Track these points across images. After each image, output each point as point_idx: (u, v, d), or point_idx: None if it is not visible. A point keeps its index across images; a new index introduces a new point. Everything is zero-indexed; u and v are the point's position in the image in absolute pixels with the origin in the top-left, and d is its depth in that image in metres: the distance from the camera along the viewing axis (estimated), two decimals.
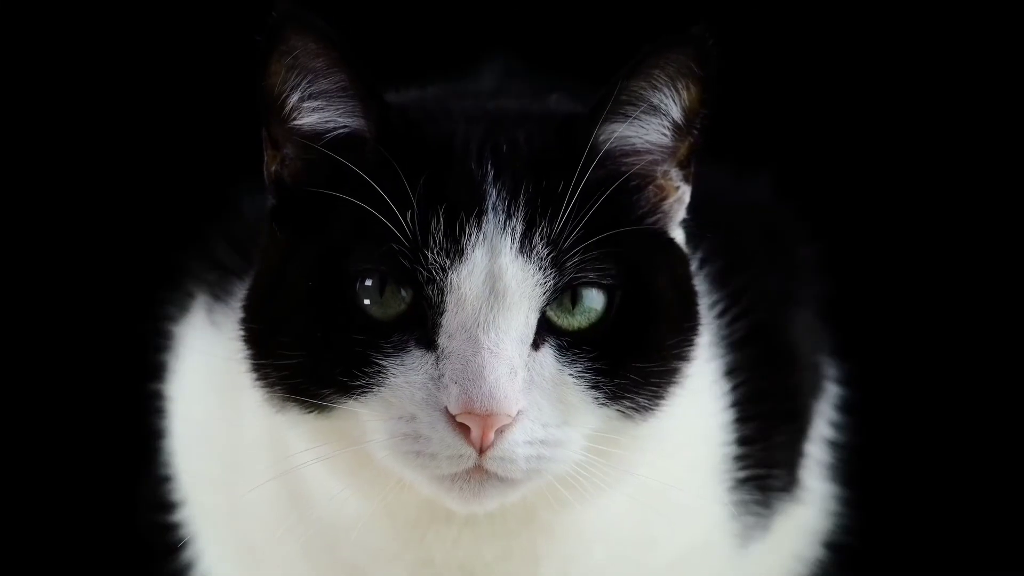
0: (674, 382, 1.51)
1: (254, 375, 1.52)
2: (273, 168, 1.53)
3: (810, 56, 2.36)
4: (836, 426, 1.95)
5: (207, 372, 1.74)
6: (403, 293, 1.44)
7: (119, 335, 2.13)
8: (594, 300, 1.47)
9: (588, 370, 1.46)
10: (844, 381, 1.97)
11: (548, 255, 1.44)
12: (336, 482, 1.53)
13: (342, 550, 1.59)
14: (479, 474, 1.44)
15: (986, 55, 2.37)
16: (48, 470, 2.37)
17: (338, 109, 1.50)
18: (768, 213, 1.95)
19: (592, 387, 1.46)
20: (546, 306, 1.45)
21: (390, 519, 1.56)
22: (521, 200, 1.45)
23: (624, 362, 1.47)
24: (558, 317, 1.46)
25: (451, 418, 1.41)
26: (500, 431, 1.41)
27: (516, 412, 1.41)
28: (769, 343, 1.76)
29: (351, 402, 1.45)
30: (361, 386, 1.44)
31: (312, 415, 1.47)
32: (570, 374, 1.46)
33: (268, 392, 1.50)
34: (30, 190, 2.38)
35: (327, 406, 1.46)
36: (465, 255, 1.43)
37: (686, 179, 1.55)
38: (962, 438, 2.37)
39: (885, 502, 2.21)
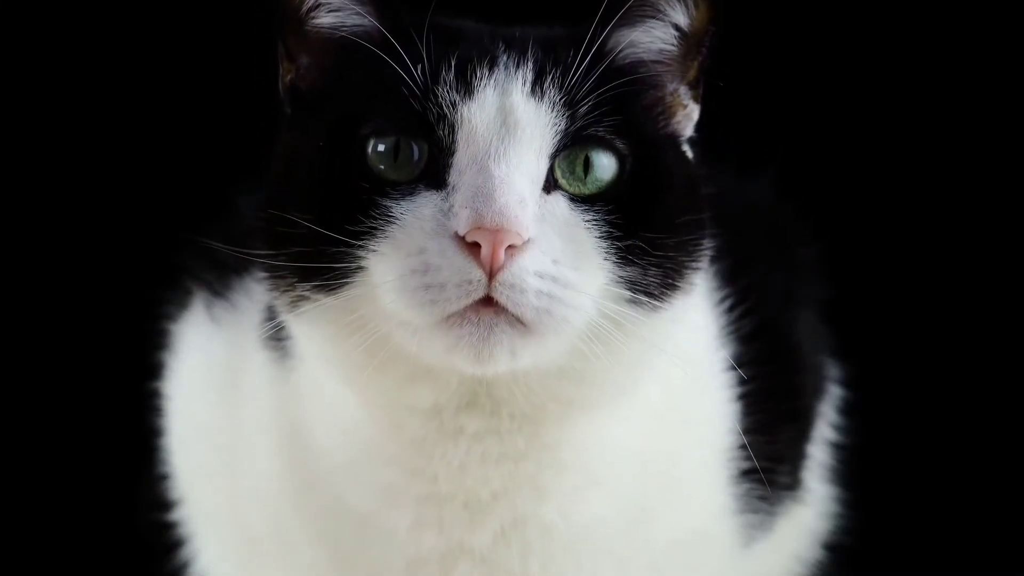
0: (681, 272, 1.51)
1: (267, 271, 1.52)
2: (288, 78, 1.56)
3: (810, 56, 2.36)
4: (837, 427, 1.95)
5: (206, 369, 1.75)
6: (415, 152, 1.46)
7: (118, 334, 2.13)
8: (604, 168, 1.48)
9: (602, 220, 1.46)
10: (844, 382, 1.97)
11: (560, 99, 1.47)
12: (345, 390, 1.53)
13: (349, 498, 1.58)
14: (488, 312, 1.42)
15: (986, 55, 2.37)
16: (47, 469, 2.37)
17: (353, 9, 1.53)
18: (769, 213, 1.96)
19: (604, 238, 1.46)
20: (556, 159, 1.46)
21: (397, 439, 1.55)
22: (530, 56, 1.49)
23: (636, 225, 1.47)
24: (569, 184, 1.47)
25: (461, 240, 1.41)
26: (510, 253, 1.41)
27: (527, 236, 1.41)
28: (773, 343, 1.76)
29: (359, 259, 1.44)
30: (370, 231, 1.44)
31: (323, 295, 1.46)
32: (583, 219, 1.46)
33: (280, 283, 1.50)
34: (30, 190, 2.38)
35: (336, 282, 1.45)
36: (475, 92, 1.46)
37: (695, 99, 1.58)
38: (962, 438, 2.37)
39: (885, 504, 2.21)
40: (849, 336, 2.00)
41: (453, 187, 1.44)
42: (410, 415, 1.53)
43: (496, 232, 1.40)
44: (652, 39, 1.54)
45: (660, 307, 1.49)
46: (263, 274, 1.53)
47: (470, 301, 1.41)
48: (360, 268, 1.45)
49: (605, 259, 1.46)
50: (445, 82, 1.46)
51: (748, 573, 1.77)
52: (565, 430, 1.55)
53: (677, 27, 1.54)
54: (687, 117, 1.58)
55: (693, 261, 1.52)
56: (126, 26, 2.36)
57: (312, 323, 1.49)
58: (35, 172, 2.39)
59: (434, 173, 1.45)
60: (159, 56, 2.37)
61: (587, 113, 1.47)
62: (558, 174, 1.47)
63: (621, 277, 1.47)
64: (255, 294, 1.68)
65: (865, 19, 2.38)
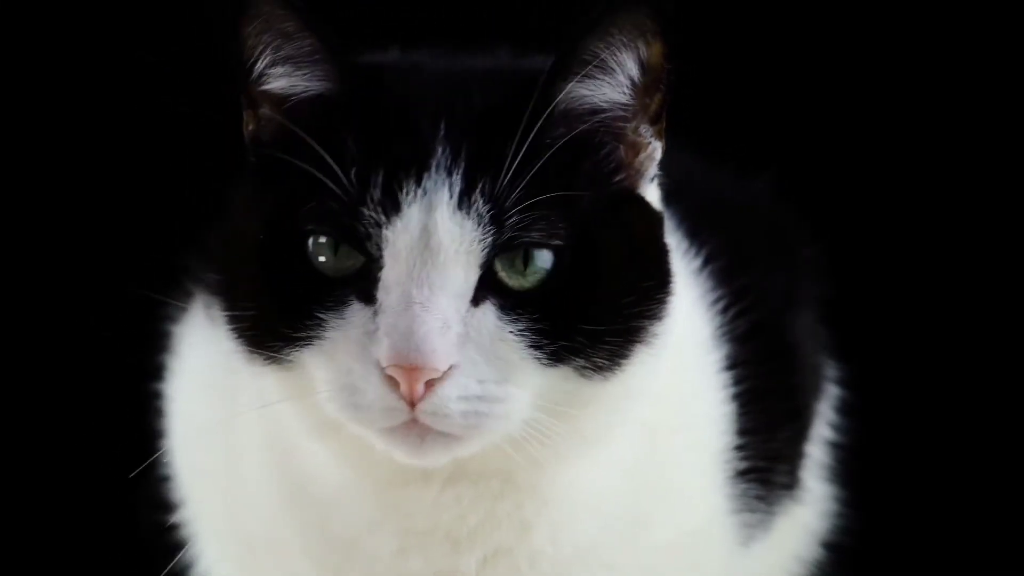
0: (637, 341, 1.49)
1: (226, 326, 1.54)
2: (251, 127, 1.56)
3: (810, 56, 2.36)
4: (835, 427, 1.95)
5: (207, 370, 1.74)
6: (351, 251, 1.46)
7: (119, 336, 2.13)
8: (544, 260, 1.46)
9: (529, 329, 1.45)
10: (843, 382, 1.97)
11: (488, 212, 1.44)
12: (311, 439, 1.54)
13: (334, 526, 1.59)
14: (416, 428, 1.43)
15: (986, 55, 2.37)
16: (48, 470, 2.37)
17: (304, 73, 1.51)
18: (768, 214, 1.95)
19: (533, 346, 1.45)
20: (491, 263, 1.45)
21: (369, 482, 1.56)
22: (463, 158, 1.45)
23: (569, 322, 1.46)
24: (509, 277, 1.45)
25: (382, 371, 1.42)
26: (430, 385, 1.41)
27: (447, 366, 1.41)
28: (771, 342, 1.75)
29: (296, 354, 1.46)
30: (304, 338, 1.46)
31: (271, 367, 1.49)
32: (510, 331, 1.45)
33: (235, 344, 1.52)
34: (30, 190, 2.38)
35: (284, 360, 1.48)
36: (401, 211, 1.44)
37: (658, 135, 1.54)
38: (962, 438, 2.37)
39: (883, 503, 2.21)
40: (847, 336, 1.99)
41: (380, 306, 1.44)
42: (376, 464, 1.53)
43: (412, 371, 1.41)
44: (608, 90, 1.51)
45: (613, 376, 1.49)
46: (221, 320, 1.55)
47: (397, 423, 1.43)
48: (298, 360, 1.48)
49: (536, 365, 1.46)
50: (372, 199, 1.44)
51: (747, 573, 1.77)
52: (539, 476, 1.55)
53: (630, 76, 1.51)
54: (649, 158, 1.54)
55: (648, 325, 1.50)
56: (126, 26, 2.36)
57: (262, 379, 1.52)
58: (35, 173, 2.39)
59: (366, 280, 1.45)
60: (159, 56, 2.36)
61: (517, 223, 1.44)
62: (499, 269, 1.45)
63: (559, 372, 1.47)
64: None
65: (864, 19, 2.38)
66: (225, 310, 1.53)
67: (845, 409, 1.96)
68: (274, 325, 1.47)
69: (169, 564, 1.85)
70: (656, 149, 1.55)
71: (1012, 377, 2.37)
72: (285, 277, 1.47)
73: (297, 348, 1.46)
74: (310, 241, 1.46)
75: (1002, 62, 2.37)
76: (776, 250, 1.90)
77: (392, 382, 1.42)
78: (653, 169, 1.55)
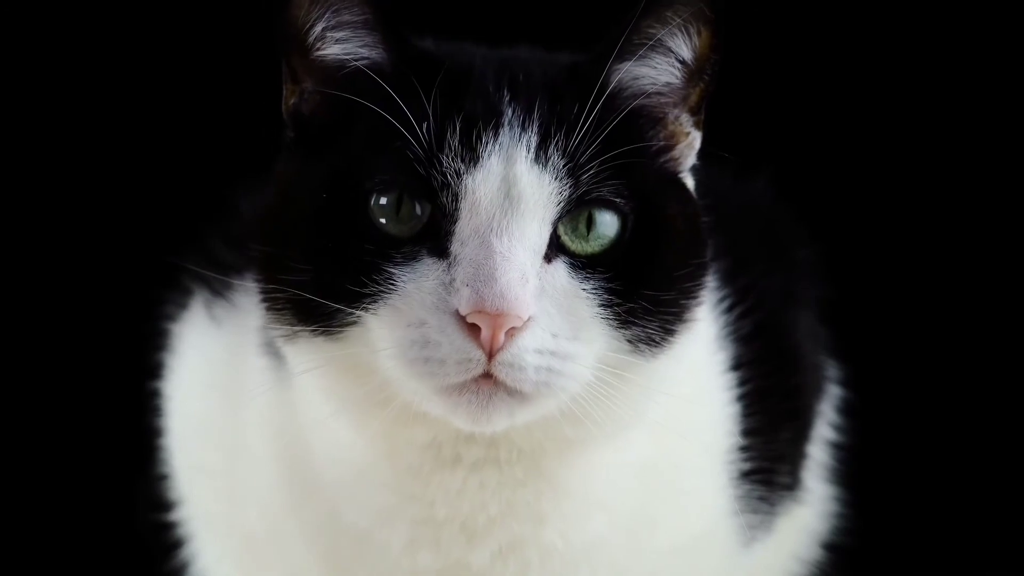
0: (682, 318, 1.51)
1: (265, 303, 1.52)
2: (292, 101, 1.54)
3: (809, 56, 2.36)
4: (836, 427, 1.95)
5: (206, 369, 1.74)
6: (418, 209, 1.45)
7: (118, 334, 2.13)
8: (607, 225, 1.47)
9: (601, 288, 1.46)
10: (843, 382, 1.97)
11: (564, 166, 1.45)
12: (341, 418, 1.53)
13: (346, 515, 1.58)
14: (487, 384, 1.43)
15: (986, 55, 2.37)
16: (48, 469, 2.37)
17: (361, 41, 1.51)
18: (767, 214, 1.96)
19: (604, 305, 1.46)
20: (559, 222, 1.46)
21: (393, 466, 1.55)
22: (536, 115, 1.46)
23: (636, 287, 1.47)
24: (572, 242, 1.47)
25: (461, 320, 1.41)
26: (510, 335, 1.41)
27: (527, 316, 1.41)
28: (773, 343, 1.76)
29: (360, 313, 1.45)
30: (371, 294, 1.44)
31: (321, 339, 1.47)
32: (583, 288, 1.46)
33: (278, 318, 1.50)
34: (30, 190, 2.38)
35: (335, 329, 1.46)
36: (480, 161, 1.45)
37: (697, 125, 1.56)
38: (962, 438, 2.37)
39: (884, 503, 2.21)
40: (848, 336, 1.99)
41: (455, 258, 1.44)
42: (407, 445, 1.53)
43: (496, 316, 1.40)
44: (655, 72, 1.53)
45: (661, 351, 1.50)
46: (259, 299, 1.54)
47: (469, 377, 1.43)
48: (358, 322, 1.46)
49: (605, 325, 1.47)
50: (450, 148, 1.44)
51: (747, 573, 1.77)
52: (564, 461, 1.56)
53: (680, 59, 1.53)
54: (689, 146, 1.57)
55: (694, 303, 1.53)
56: (126, 26, 2.36)
57: (307, 356, 1.50)
58: (36, 172, 2.39)
59: (436, 235, 1.45)
60: (159, 56, 2.37)
61: (591, 178, 1.46)
62: (561, 233, 1.47)
63: (620, 337, 1.48)
64: (255, 294, 1.67)
65: (863, 19, 2.38)
66: (269, 283, 1.50)
67: (846, 409, 1.96)
68: (337, 285, 1.45)
69: (167, 562, 1.85)
70: (695, 139, 1.57)
71: (1012, 377, 2.37)
72: (347, 238, 1.45)
73: (363, 307, 1.44)
74: (372, 200, 1.45)
75: (1002, 62, 2.37)
76: (776, 251, 1.90)
77: (473, 330, 1.41)
78: (692, 159, 1.57)
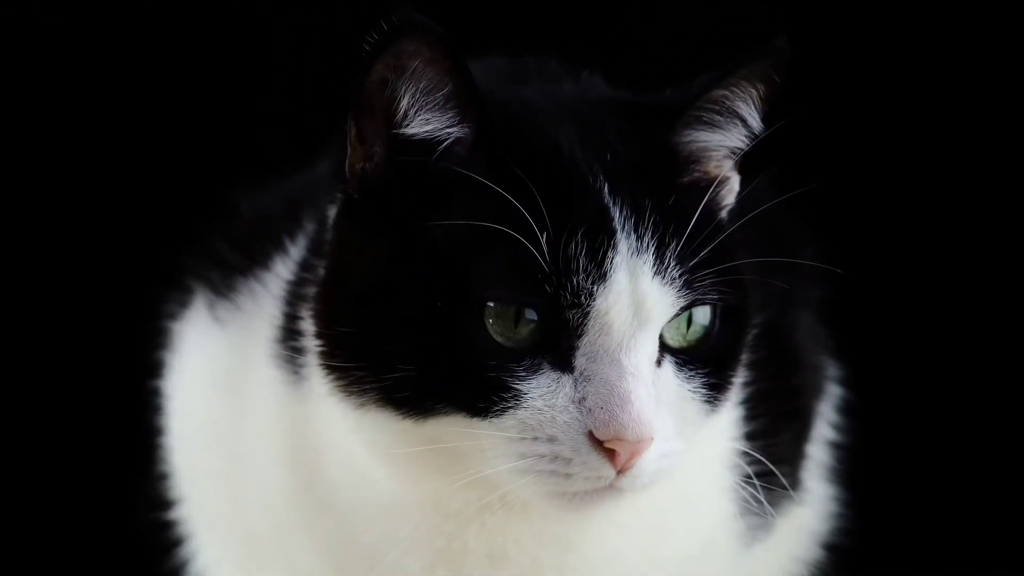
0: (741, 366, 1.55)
1: (333, 375, 1.47)
2: (359, 166, 1.47)
3: (809, 57, 2.35)
4: (836, 427, 1.95)
5: (208, 369, 1.74)
6: (535, 317, 1.41)
7: (119, 332, 2.13)
8: (704, 315, 1.47)
9: (704, 385, 1.47)
10: (843, 382, 1.97)
11: (680, 276, 1.43)
12: (385, 469, 1.51)
13: (363, 537, 1.57)
14: (610, 491, 1.44)
15: (986, 55, 2.37)
16: (48, 468, 2.37)
17: (445, 117, 1.45)
18: (769, 215, 1.95)
19: (707, 401, 1.48)
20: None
21: (422, 507, 1.54)
22: (648, 219, 1.43)
23: (726, 371, 1.49)
24: (672, 338, 1.46)
25: (596, 442, 1.41)
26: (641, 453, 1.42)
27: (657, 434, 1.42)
28: (774, 344, 1.75)
29: (474, 421, 1.42)
30: (496, 410, 1.42)
31: (406, 421, 1.44)
32: (689, 389, 1.47)
33: (353, 394, 1.46)
34: (30, 190, 2.38)
35: (424, 415, 1.43)
36: (608, 280, 1.41)
37: (736, 167, 1.56)
38: (962, 439, 2.37)
39: (884, 504, 2.20)
40: (848, 336, 1.99)
41: (582, 374, 1.42)
42: (452, 498, 1.52)
43: (636, 443, 1.40)
44: (726, 137, 1.52)
45: (725, 405, 1.53)
46: (323, 369, 1.49)
47: (596, 488, 1.43)
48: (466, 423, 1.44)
49: (704, 414, 1.48)
50: (579, 267, 1.40)
51: (748, 574, 1.77)
52: None
53: (748, 123, 1.52)
54: (731, 190, 1.55)
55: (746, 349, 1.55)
56: (127, 26, 2.36)
57: (380, 429, 1.47)
58: (36, 171, 2.39)
59: (556, 347, 1.42)
60: (160, 56, 2.37)
61: (707, 285, 1.44)
62: (664, 333, 1.46)
63: (709, 414, 1.50)
64: (260, 297, 1.67)
65: (864, 20, 2.38)
66: (348, 362, 1.45)
67: (846, 409, 1.96)
68: (449, 392, 1.42)
69: (167, 560, 1.85)
70: (736, 182, 1.56)
71: (1012, 377, 2.37)
72: (459, 343, 1.41)
73: (483, 417, 1.41)
74: (487, 310, 1.41)
75: (1002, 62, 2.37)
76: (776, 251, 1.89)
77: (608, 453, 1.41)
78: (733, 199, 1.56)
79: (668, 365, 1.46)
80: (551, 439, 1.42)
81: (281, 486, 1.62)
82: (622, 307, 1.41)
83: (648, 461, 1.42)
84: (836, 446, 1.94)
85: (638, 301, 1.42)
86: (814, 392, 1.87)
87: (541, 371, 1.42)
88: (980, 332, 2.39)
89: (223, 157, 2.21)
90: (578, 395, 1.42)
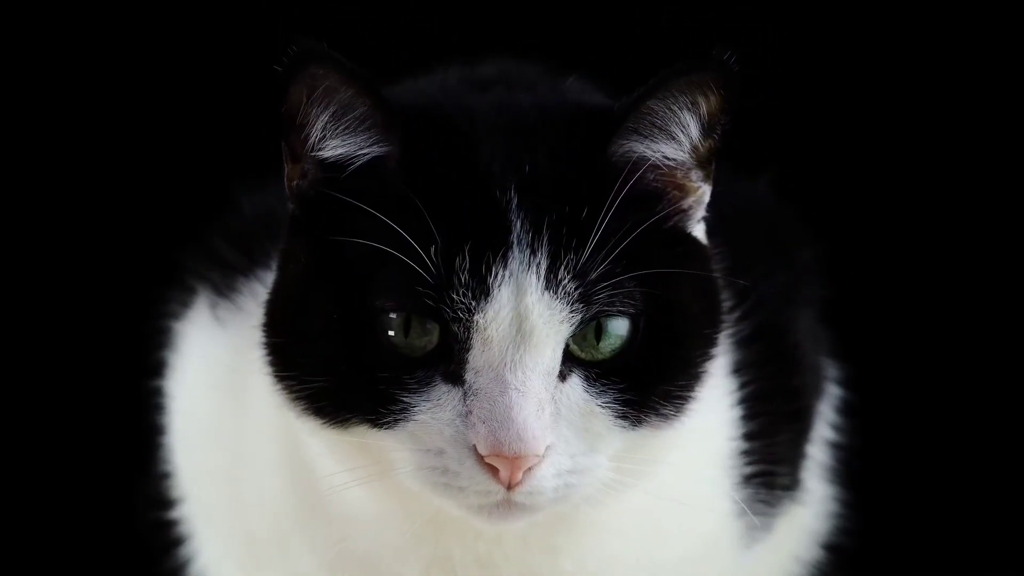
0: (700, 384, 1.52)
1: (275, 384, 1.51)
2: (295, 183, 1.51)
3: (809, 57, 2.36)
4: (836, 427, 1.95)
5: (209, 368, 1.74)
6: (429, 326, 1.43)
7: (119, 332, 2.13)
8: (619, 328, 1.45)
9: (617, 400, 1.45)
10: (843, 382, 1.97)
11: (575, 290, 1.43)
12: (354, 486, 1.52)
13: (357, 543, 1.59)
14: (508, 505, 1.44)
15: (986, 55, 2.37)
16: (47, 467, 2.38)
17: (360, 139, 1.47)
18: (768, 214, 1.95)
19: (620, 416, 1.46)
20: (570, 338, 1.44)
21: (406, 515, 1.55)
22: (545, 233, 1.43)
23: (651, 385, 1.47)
24: (582, 351, 1.45)
25: (479, 457, 1.41)
26: (529, 469, 1.42)
27: (544, 450, 1.41)
28: (773, 344, 1.75)
29: (376, 431, 1.45)
30: (388, 421, 1.44)
31: (331, 431, 1.47)
32: (598, 404, 1.45)
33: (289, 402, 1.50)
34: (30, 190, 2.39)
35: (346, 426, 1.46)
36: (491, 295, 1.42)
37: (706, 178, 1.53)
38: (962, 439, 2.37)
39: (884, 503, 2.21)
40: (848, 336, 1.99)
41: (470, 387, 1.42)
42: (420, 507, 1.53)
43: (515, 459, 1.40)
44: (663, 149, 1.50)
45: (680, 422, 1.51)
46: (268, 378, 1.52)
47: (488, 503, 1.44)
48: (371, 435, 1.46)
49: (620, 431, 1.46)
50: (460, 281, 1.41)
51: (748, 574, 1.77)
52: (589, 509, 1.55)
53: (687, 133, 1.49)
54: (699, 201, 1.53)
55: (709, 366, 1.52)
56: (126, 26, 2.36)
57: (315, 435, 1.50)
58: (37, 171, 2.39)
59: (448, 358, 1.43)
60: (159, 56, 2.37)
61: (605, 298, 1.43)
62: (571, 344, 1.45)
63: (637, 432, 1.48)
64: (261, 297, 1.67)
65: (863, 20, 2.38)
66: (281, 371, 1.50)
67: (846, 409, 1.96)
68: (351, 401, 1.45)
69: (167, 560, 1.86)
70: (705, 193, 1.54)
71: (1012, 377, 2.37)
72: (361, 355, 1.44)
73: (377, 428, 1.44)
74: (383, 318, 1.43)
75: (1002, 62, 2.37)
76: (776, 251, 1.90)
77: (490, 469, 1.41)
78: (701, 211, 1.54)
79: (576, 379, 1.45)
80: (440, 452, 1.43)
81: (279, 488, 1.63)
82: (502, 322, 1.41)
83: (543, 478, 1.42)
84: (836, 446, 1.94)
85: (522, 316, 1.41)
86: (814, 392, 1.87)
87: (433, 383, 1.44)
88: (980, 332, 2.40)
89: (224, 156, 2.21)
90: (465, 409, 1.42)
